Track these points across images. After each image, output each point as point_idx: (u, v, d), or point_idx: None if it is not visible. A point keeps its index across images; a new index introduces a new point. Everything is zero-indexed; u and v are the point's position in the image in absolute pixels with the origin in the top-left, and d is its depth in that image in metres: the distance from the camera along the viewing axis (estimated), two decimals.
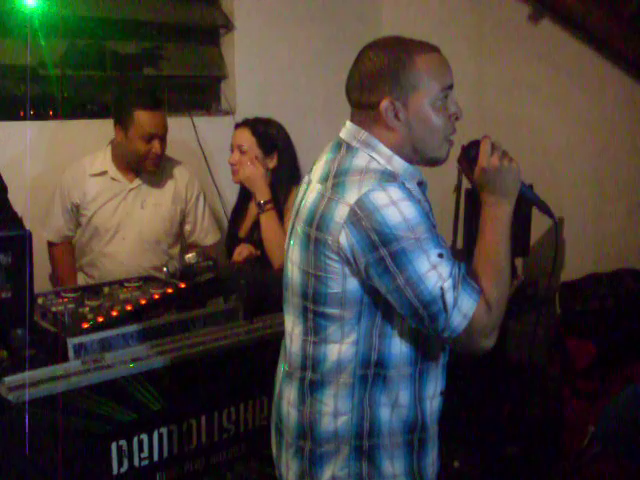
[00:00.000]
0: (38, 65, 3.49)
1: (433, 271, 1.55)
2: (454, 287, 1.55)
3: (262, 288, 2.75)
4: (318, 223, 1.63)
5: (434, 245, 1.57)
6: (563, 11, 3.72)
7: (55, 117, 3.44)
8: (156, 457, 2.44)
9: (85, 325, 2.44)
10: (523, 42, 4.08)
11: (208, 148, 3.99)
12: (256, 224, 3.07)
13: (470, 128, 4.51)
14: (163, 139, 3.25)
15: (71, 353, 2.37)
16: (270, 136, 3.06)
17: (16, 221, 2.80)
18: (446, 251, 1.59)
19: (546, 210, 1.86)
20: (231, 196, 3.58)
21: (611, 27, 3.48)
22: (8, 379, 2.20)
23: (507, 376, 3.72)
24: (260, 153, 3.04)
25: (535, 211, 3.69)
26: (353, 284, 1.64)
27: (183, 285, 2.75)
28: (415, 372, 1.72)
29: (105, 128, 3.40)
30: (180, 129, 3.97)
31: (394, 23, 4.69)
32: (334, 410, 1.71)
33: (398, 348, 1.69)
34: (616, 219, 3.88)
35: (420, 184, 1.77)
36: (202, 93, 4.26)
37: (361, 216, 1.57)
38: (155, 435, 2.43)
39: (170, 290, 2.71)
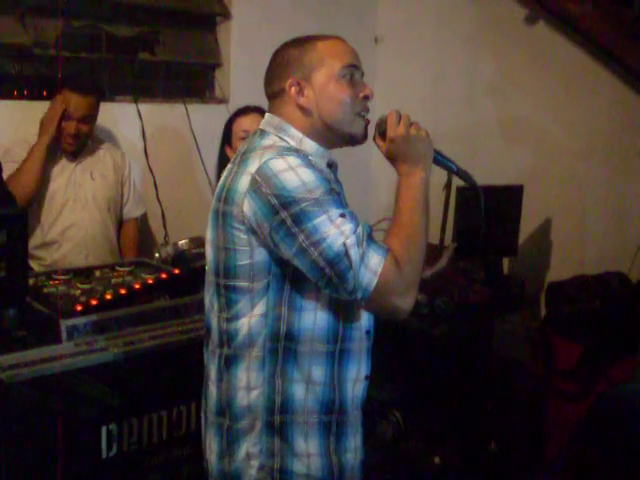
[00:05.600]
0: (33, 44, 3.45)
1: (335, 229, 1.55)
2: (358, 244, 1.54)
3: None
4: (225, 196, 1.67)
5: (335, 206, 1.59)
6: (560, 13, 3.74)
7: (49, 98, 3.40)
8: (145, 442, 2.44)
9: (78, 307, 2.43)
10: (518, 43, 4.11)
11: (200, 136, 3.98)
12: None
13: (462, 127, 4.56)
14: (83, 122, 3.29)
15: (64, 335, 2.36)
16: None
17: (10, 200, 2.78)
18: (349, 212, 1.60)
19: (464, 176, 1.85)
20: None
21: (609, 31, 3.50)
22: (1, 359, 2.18)
23: (490, 374, 3.75)
24: None
25: (524, 211, 3.78)
26: (261, 255, 1.66)
27: (177, 271, 2.74)
28: (334, 351, 1.71)
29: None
30: (173, 116, 3.97)
31: (389, 16, 4.70)
32: (247, 384, 1.71)
33: (311, 323, 1.69)
34: (602, 222, 3.92)
35: (330, 166, 1.81)
36: (196, 80, 4.23)
37: (260, 182, 1.60)
38: (145, 420, 2.43)
39: (164, 275, 2.70)
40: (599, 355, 3.35)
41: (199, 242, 2.96)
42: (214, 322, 1.78)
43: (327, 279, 1.56)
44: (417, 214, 1.66)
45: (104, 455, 2.34)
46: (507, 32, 4.16)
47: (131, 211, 3.68)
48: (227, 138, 3.08)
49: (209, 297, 1.80)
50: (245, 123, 3.03)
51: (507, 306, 3.87)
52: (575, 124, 3.96)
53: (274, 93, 1.80)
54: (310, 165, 1.64)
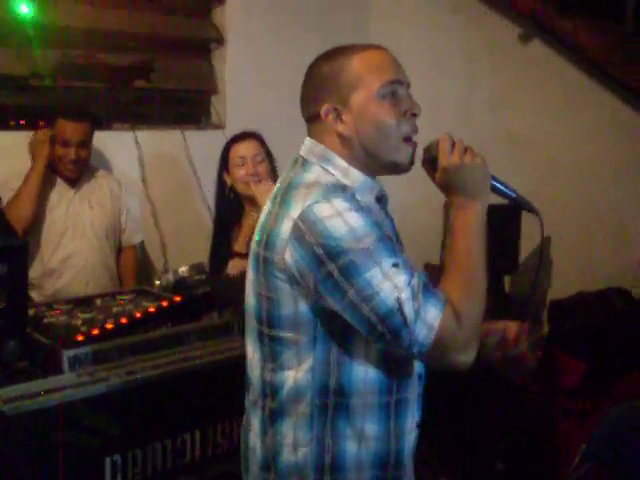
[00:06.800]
0: (31, 75, 3.48)
1: (387, 282, 1.41)
2: (413, 298, 1.40)
3: None
4: (265, 241, 1.54)
5: (387, 255, 1.44)
6: (554, 32, 3.76)
7: (46, 127, 3.41)
8: (150, 472, 2.41)
9: (80, 337, 2.42)
10: (514, 61, 4.12)
11: (198, 162, 3.99)
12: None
13: None
14: (80, 147, 3.36)
15: (65, 365, 2.34)
16: (270, 151, 3.09)
17: (10, 231, 2.77)
18: (402, 260, 1.46)
19: (524, 204, 1.71)
20: None
21: (603, 49, 3.52)
22: (3, 391, 2.17)
23: (495, 393, 3.73)
24: (269, 165, 3.06)
25: (524, 226, 3.76)
26: (305, 305, 1.53)
27: (178, 298, 2.73)
28: (389, 403, 1.60)
29: None
30: (170, 142, 3.97)
31: (381, 34, 4.70)
32: (293, 442, 1.59)
33: (363, 375, 1.56)
34: (604, 239, 3.91)
35: (379, 199, 1.68)
36: (192, 107, 4.25)
37: (304, 230, 1.46)
38: (149, 450, 2.41)
39: (165, 303, 2.69)
40: (604, 372, 3.33)
41: (199, 269, 2.95)
42: (256, 371, 1.67)
43: (379, 334, 1.44)
44: (474, 254, 1.53)
45: None
46: (503, 50, 4.17)
47: (130, 238, 3.69)
48: (224, 165, 3.09)
49: (251, 344, 1.69)
50: (241, 149, 3.05)
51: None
52: (573, 140, 3.96)
53: (311, 117, 1.65)
54: (359, 207, 1.49)
